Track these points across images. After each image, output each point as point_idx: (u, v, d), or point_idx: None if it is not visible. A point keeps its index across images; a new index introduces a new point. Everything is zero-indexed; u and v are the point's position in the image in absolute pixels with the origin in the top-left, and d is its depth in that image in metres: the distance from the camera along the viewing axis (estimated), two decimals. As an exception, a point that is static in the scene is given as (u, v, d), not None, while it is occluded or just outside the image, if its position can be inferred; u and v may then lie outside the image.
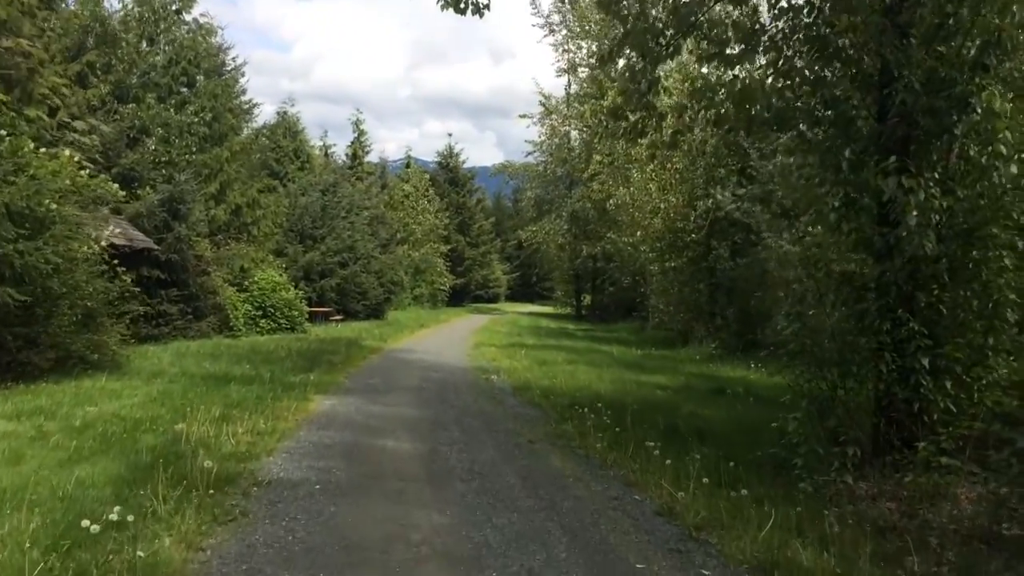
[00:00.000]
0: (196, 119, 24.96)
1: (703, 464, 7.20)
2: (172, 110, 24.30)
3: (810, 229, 7.95)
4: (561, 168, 49.64)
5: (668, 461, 7.30)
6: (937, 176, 7.01)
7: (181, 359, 15.75)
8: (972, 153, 7.02)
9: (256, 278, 25.34)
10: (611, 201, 34.76)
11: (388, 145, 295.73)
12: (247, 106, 32.55)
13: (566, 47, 49.18)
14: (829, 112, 7.55)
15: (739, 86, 8.35)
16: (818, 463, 6.78)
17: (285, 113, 42.10)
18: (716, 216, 24.77)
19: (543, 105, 49.52)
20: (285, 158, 39.81)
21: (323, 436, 8.86)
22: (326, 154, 48.82)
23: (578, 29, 48.56)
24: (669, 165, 27.48)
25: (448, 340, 26.11)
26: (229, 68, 29.97)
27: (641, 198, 28.95)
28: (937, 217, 6.74)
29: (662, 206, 27.32)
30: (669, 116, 8.93)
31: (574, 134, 49.17)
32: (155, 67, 25.03)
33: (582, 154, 46.52)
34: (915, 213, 6.50)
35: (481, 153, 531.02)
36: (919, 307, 6.98)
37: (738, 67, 8.61)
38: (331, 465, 7.44)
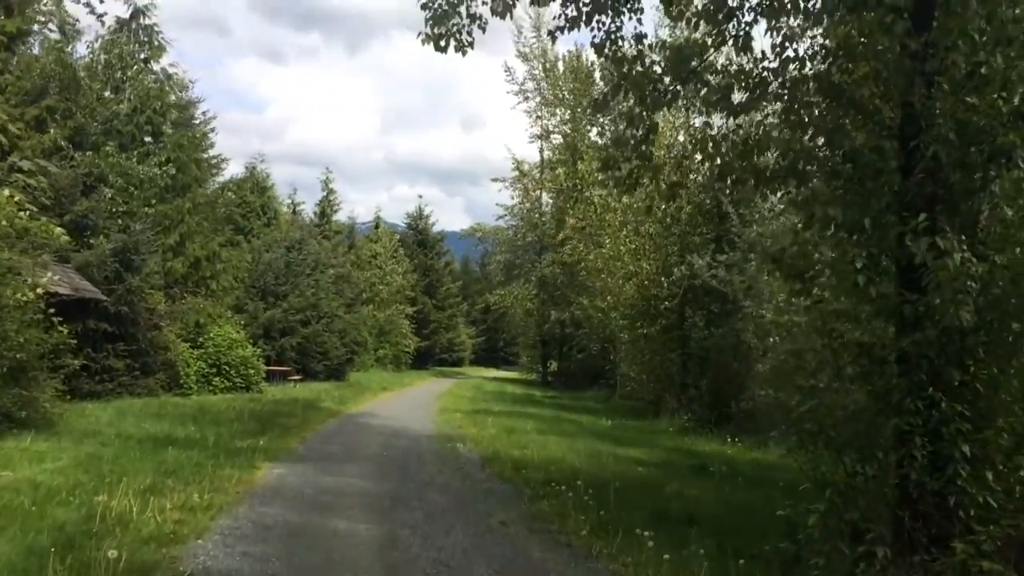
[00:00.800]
0: (159, 171, 23.97)
1: (705, 558, 6.21)
2: (134, 159, 23.31)
3: (822, 293, 7.12)
4: (532, 233, 49.28)
5: (666, 556, 6.30)
6: (964, 238, 6.26)
7: (121, 418, 14.53)
8: (1009, 214, 6.30)
9: (211, 334, 24.10)
10: (582, 265, 34.20)
11: (358, 207, 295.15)
12: (215, 160, 31.70)
13: (539, 114, 49.31)
14: (850, 164, 6.82)
15: (745, 135, 7.67)
16: (841, 563, 5.85)
17: (254, 168, 41.24)
18: (691, 284, 24.16)
19: (517, 168, 49.39)
20: (251, 213, 38.82)
21: (266, 514, 7.74)
22: (294, 211, 47.90)
23: (551, 97, 48.82)
24: (642, 230, 26.98)
25: (412, 405, 24.95)
26: (198, 122, 29.15)
27: (613, 264, 28.30)
28: (972, 284, 5.96)
29: (634, 269, 26.68)
30: (667, 166, 8.19)
31: (546, 198, 48.99)
32: (118, 115, 24.10)
33: (553, 218, 46.26)
34: (952, 280, 5.72)
35: (450, 218, 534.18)
36: (951, 385, 6.14)
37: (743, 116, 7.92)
38: (270, 552, 6.32)
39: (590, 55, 49.99)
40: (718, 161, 7.78)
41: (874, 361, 6.82)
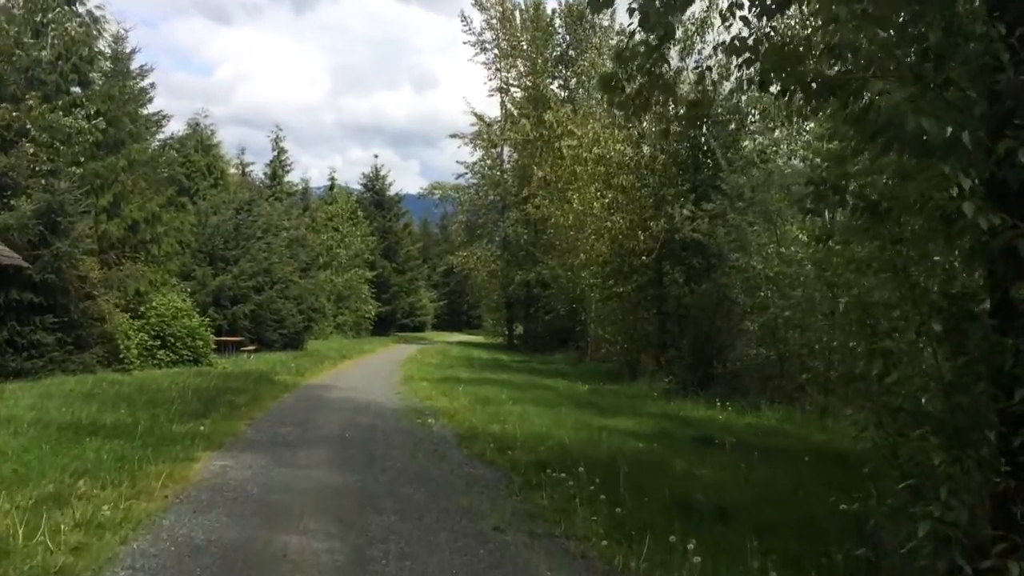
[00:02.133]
0: (87, 124, 21.75)
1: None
2: (59, 112, 21.08)
3: (901, 232, 5.61)
4: (494, 192, 47.68)
5: (723, 578, 4.85)
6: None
7: (45, 401, 12.69)
8: None
9: (154, 303, 22.20)
10: (551, 222, 32.68)
11: (312, 171, 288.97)
12: (155, 117, 29.33)
13: (498, 66, 47.51)
14: (930, 64, 5.30)
15: (783, 39, 6.13)
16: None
17: (197, 125, 38.66)
18: (670, 237, 22.77)
19: (479, 119, 47.56)
20: (196, 174, 36.36)
21: (198, 527, 6.10)
22: (243, 172, 45.44)
23: (508, 48, 47.01)
24: (614, 182, 25.45)
25: (374, 373, 23.34)
26: (134, 74, 26.75)
27: (583, 219, 26.72)
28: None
29: (608, 225, 25.14)
30: (682, 82, 6.61)
31: (507, 155, 47.30)
32: (40, 62, 21.75)
33: (516, 175, 44.65)
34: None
35: (405, 181, 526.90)
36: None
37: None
38: (195, 593, 4.74)
39: (549, 3, 48.51)
40: (754, 69, 6.24)
41: (962, 316, 5.39)
